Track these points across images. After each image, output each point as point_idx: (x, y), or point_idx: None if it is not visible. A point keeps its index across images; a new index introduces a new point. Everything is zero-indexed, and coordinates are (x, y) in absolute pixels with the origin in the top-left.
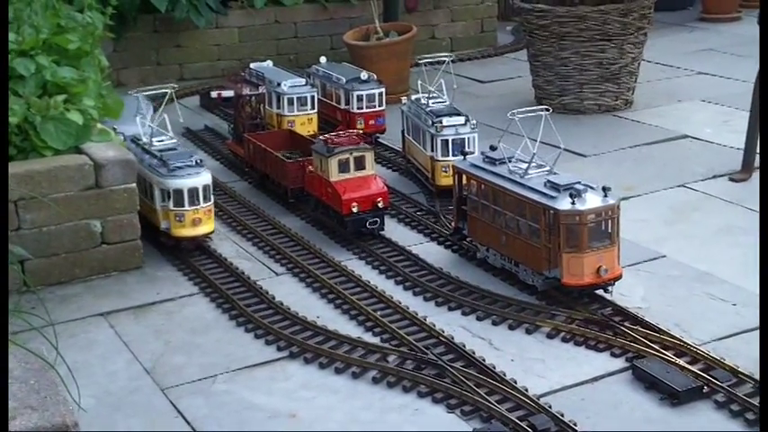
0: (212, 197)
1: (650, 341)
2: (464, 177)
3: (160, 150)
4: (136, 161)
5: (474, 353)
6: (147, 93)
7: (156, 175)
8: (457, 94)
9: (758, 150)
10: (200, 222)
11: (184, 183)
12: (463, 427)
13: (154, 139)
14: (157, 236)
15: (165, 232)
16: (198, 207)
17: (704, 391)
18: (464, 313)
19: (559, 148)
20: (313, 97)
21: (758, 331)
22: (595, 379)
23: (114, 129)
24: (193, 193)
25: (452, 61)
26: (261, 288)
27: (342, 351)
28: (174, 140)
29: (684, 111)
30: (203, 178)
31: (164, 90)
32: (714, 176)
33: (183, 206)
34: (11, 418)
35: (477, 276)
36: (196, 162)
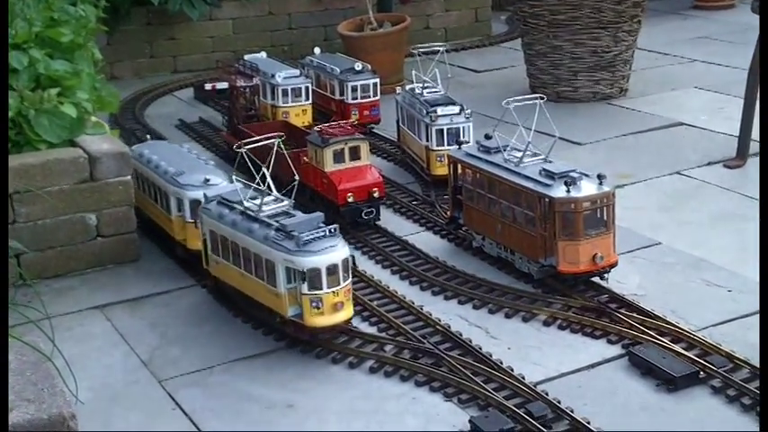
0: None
1: (646, 328)
2: (459, 167)
3: (274, 217)
4: (227, 230)
5: (471, 341)
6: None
7: (279, 251)
8: (451, 83)
9: (755, 137)
10: (342, 307)
11: (321, 260)
12: (460, 416)
13: (257, 202)
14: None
15: (292, 321)
16: (338, 288)
17: (700, 376)
18: (460, 302)
19: (554, 136)
20: (307, 88)
21: (754, 317)
22: (592, 366)
23: (177, 182)
24: (333, 270)
25: (447, 51)
26: None
27: (339, 341)
28: (286, 201)
29: (679, 98)
30: (342, 251)
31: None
32: (709, 163)
33: (320, 289)
34: (8, 410)
35: (474, 265)
36: (330, 231)
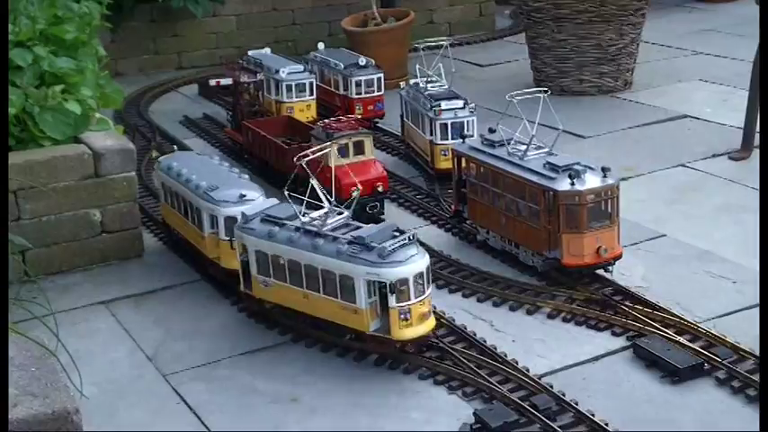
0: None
1: (651, 320)
2: (463, 160)
3: (337, 230)
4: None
5: (475, 334)
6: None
7: (360, 265)
8: (455, 78)
9: (758, 129)
10: (428, 316)
11: (409, 269)
12: (465, 409)
13: (317, 215)
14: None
15: (372, 337)
16: (424, 297)
17: (705, 368)
18: (465, 295)
19: (558, 129)
20: (311, 84)
21: (759, 308)
22: (596, 358)
23: (210, 197)
24: (419, 280)
25: (451, 45)
26: None
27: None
28: (345, 212)
29: (684, 91)
30: (425, 258)
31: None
32: (714, 156)
33: (408, 300)
34: (12, 405)
35: (478, 258)
36: (410, 238)
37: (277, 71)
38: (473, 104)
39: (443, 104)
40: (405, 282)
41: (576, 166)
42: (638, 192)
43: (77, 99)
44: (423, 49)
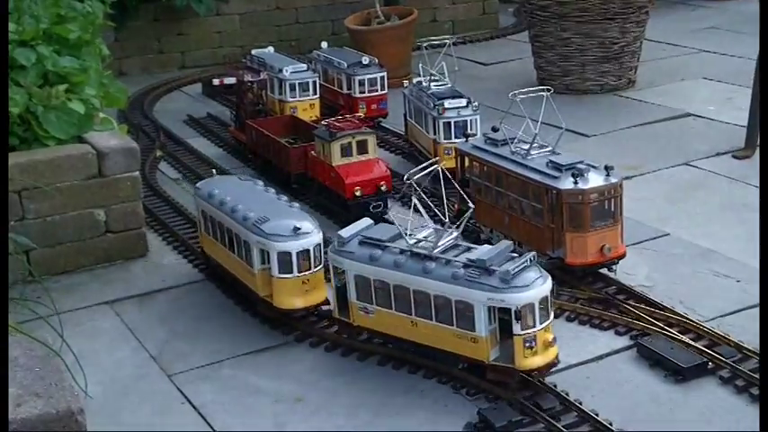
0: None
1: (655, 319)
2: (467, 159)
3: (449, 252)
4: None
5: None
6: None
7: (480, 290)
8: (459, 76)
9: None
10: (552, 344)
11: (534, 294)
12: (469, 408)
13: (426, 236)
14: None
15: (493, 366)
16: (549, 322)
17: (709, 367)
18: None
19: (561, 128)
20: (315, 83)
21: (759, 308)
22: (600, 357)
23: (261, 231)
24: (544, 305)
25: (454, 44)
26: None
27: (346, 334)
28: (454, 233)
29: (687, 89)
30: (549, 281)
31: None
32: (717, 154)
33: (533, 326)
34: (16, 405)
35: None
36: (531, 260)
37: (280, 70)
38: (476, 103)
39: (447, 103)
40: (530, 307)
41: (580, 165)
42: (642, 190)
43: (81, 98)
44: (426, 48)
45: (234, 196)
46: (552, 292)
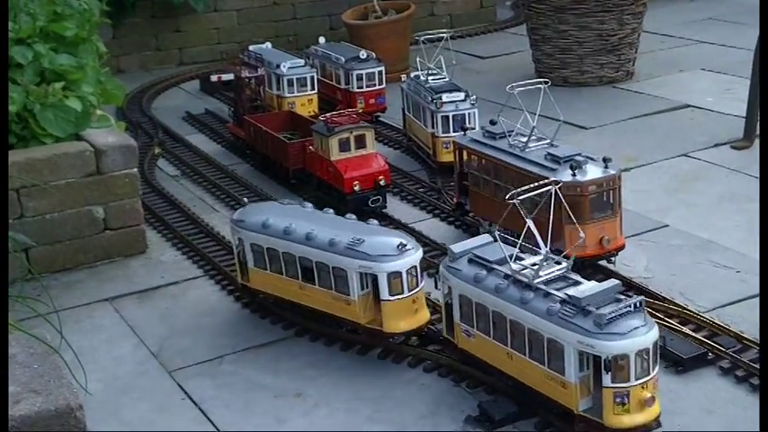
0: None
1: (654, 310)
2: (465, 153)
3: (553, 284)
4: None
5: None
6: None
7: (571, 331)
8: (457, 70)
9: (759, 118)
10: (651, 403)
11: (630, 344)
12: (469, 401)
13: (529, 263)
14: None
15: (582, 417)
16: (648, 379)
17: (709, 357)
18: None
19: (559, 120)
20: (313, 78)
21: (759, 299)
22: None
23: (362, 253)
24: (643, 357)
25: (451, 37)
26: None
27: (346, 329)
28: (564, 263)
29: (685, 80)
30: (653, 331)
31: None
32: (716, 145)
33: (627, 381)
34: (15, 402)
35: None
36: (636, 305)
37: (278, 66)
38: (474, 97)
39: (445, 97)
40: (624, 358)
41: (578, 157)
42: (641, 182)
43: (78, 96)
44: (423, 42)
45: (297, 222)
46: (657, 344)
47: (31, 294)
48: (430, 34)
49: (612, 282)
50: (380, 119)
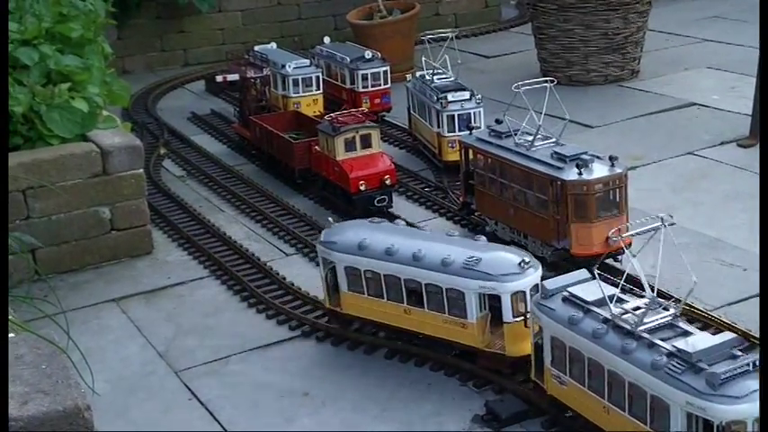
0: None
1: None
2: (471, 152)
3: (659, 332)
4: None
5: None
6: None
7: (679, 389)
8: (462, 69)
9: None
10: None
11: (748, 410)
12: (476, 400)
13: (632, 307)
14: None
15: None
16: None
17: None
18: None
19: (565, 119)
20: (318, 78)
21: (759, 298)
22: None
23: (482, 273)
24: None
25: (456, 37)
26: (271, 269)
27: (353, 329)
28: (672, 309)
29: (691, 78)
30: None
31: None
32: (722, 143)
33: None
34: (22, 402)
35: None
36: (754, 363)
37: (283, 66)
38: (480, 96)
39: (450, 96)
40: (740, 425)
41: (584, 156)
42: (647, 180)
43: (84, 97)
44: (429, 42)
45: (399, 241)
46: None
47: (38, 295)
48: (435, 34)
49: (728, 335)
50: (386, 118)
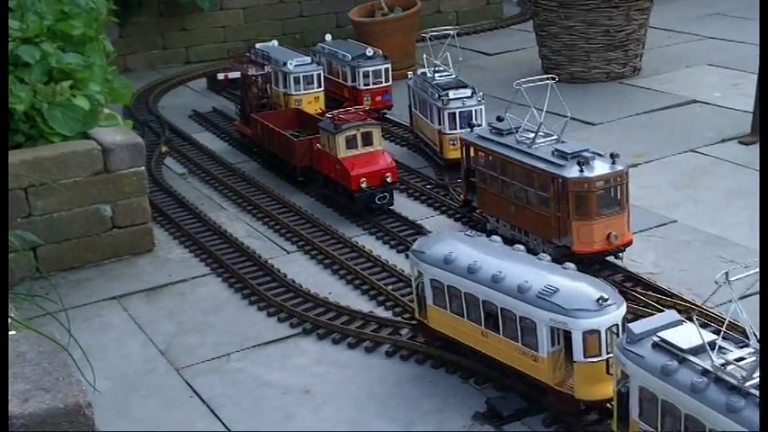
0: None
1: (663, 305)
2: (472, 149)
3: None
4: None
5: None
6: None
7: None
8: (463, 67)
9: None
10: None
11: None
12: (477, 397)
13: (733, 356)
14: None
15: None
16: None
17: None
18: None
19: (566, 116)
20: (319, 75)
21: (759, 296)
22: None
23: (555, 305)
24: None
25: (458, 34)
26: (272, 266)
27: (354, 326)
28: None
29: (692, 76)
30: None
31: None
32: (723, 140)
33: None
34: (24, 400)
35: None
36: None
37: (284, 63)
38: (481, 93)
39: (451, 94)
40: None
41: (585, 153)
42: (648, 178)
43: (86, 95)
44: (430, 39)
45: (484, 259)
46: None
47: (39, 293)
48: (436, 31)
49: None
50: (387, 116)
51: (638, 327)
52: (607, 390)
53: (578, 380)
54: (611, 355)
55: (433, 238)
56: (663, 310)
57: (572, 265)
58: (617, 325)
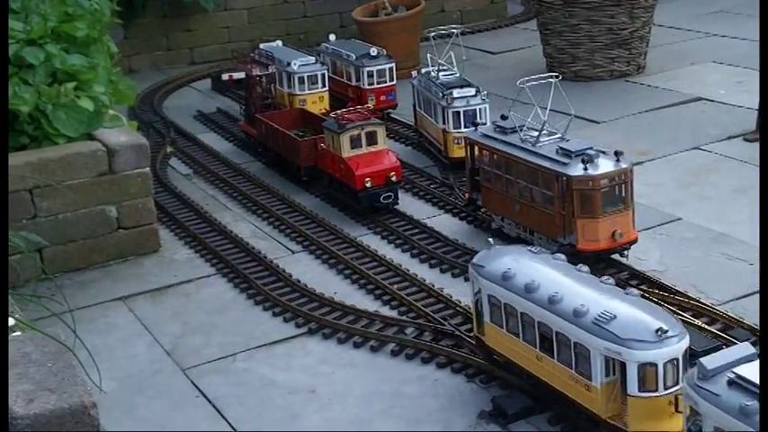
0: None
1: (668, 303)
2: (476, 148)
3: None
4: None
5: None
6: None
7: None
8: (467, 65)
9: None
10: None
11: None
12: (483, 396)
13: None
14: None
15: None
16: None
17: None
18: None
19: (570, 115)
20: (323, 75)
21: (759, 295)
22: None
23: (612, 334)
24: None
25: (462, 33)
26: (278, 266)
27: (360, 325)
28: None
29: (697, 73)
30: None
31: None
32: (728, 137)
33: None
34: (29, 400)
35: None
36: None
37: (289, 63)
38: (485, 92)
39: (455, 93)
40: None
41: (590, 151)
42: (653, 175)
43: (90, 96)
44: (434, 38)
45: (543, 279)
46: None
47: (45, 294)
48: (440, 30)
49: None
50: (391, 115)
51: (710, 362)
52: (663, 427)
53: (632, 415)
54: (670, 390)
55: (494, 253)
56: (669, 308)
57: (635, 291)
58: (677, 359)
